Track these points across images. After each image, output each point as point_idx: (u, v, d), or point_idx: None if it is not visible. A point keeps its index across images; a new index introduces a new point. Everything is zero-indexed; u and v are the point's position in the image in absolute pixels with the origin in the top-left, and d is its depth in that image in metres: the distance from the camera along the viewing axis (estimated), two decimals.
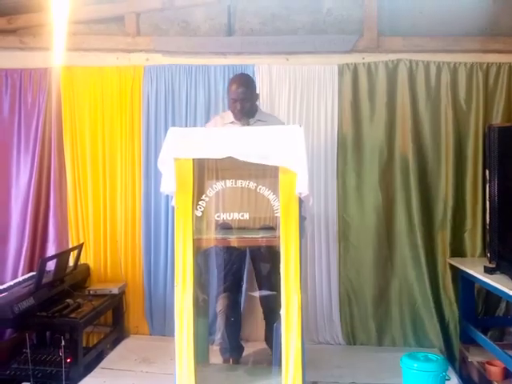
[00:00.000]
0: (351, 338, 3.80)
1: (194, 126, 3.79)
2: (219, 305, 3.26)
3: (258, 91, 3.34)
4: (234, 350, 3.29)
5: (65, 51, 3.82)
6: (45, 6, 3.70)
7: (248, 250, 3.20)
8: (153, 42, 3.90)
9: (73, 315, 3.24)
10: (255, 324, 3.70)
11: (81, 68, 3.95)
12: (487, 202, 3.47)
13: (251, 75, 3.75)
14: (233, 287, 3.27)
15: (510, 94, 3.69)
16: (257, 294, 3.32)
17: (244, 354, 3.38)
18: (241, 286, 3.43)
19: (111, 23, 4.00)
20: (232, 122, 3.18)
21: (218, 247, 3.08)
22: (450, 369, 2.96)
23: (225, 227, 2.70)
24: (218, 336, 3.28)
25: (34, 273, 3.61)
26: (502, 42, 3.70)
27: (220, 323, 3.27)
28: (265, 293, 3.13)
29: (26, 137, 3.96)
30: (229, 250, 3.12)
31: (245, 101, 3.10)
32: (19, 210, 3.94)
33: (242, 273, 3.41)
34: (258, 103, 3.28)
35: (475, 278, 3.24)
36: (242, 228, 2.71)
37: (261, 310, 3.38)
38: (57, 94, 3.93)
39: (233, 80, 3.23)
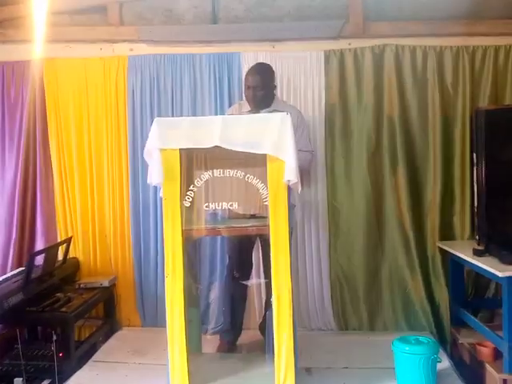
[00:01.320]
0: (343, 324, 3.82)
1: (180, 115, 3.75)
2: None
3: (275, 83, 3.34)
4: (233, 331, 3.34)
5: (47, 43, 3.73)
6: None
7: (258, 239, 3.19)
8: (136, 31, 3.83)
9: (63, 309, 3.24)
10: (248, 312, 3.69)
11: (64, 60, 3.89)
12: (475, 185, 3.48)
13: (237, 63, 3.74)
14: (243, 275, 3.28)
15: (496, 76, 3.68)
16: (248, 282, 3.32)
17: (237, 342, 3.40)
18: (250, 273, 3.41)
19: (94, 13, 3.93)
20: (249, 111, 3.18)
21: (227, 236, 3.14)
22: (441, 351, 2.98)
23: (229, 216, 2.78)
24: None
25: (22, 268, 3.58)
26: (487, 24, 3.69)
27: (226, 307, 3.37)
28: None
29: (11, 131, 3.90)
30: (237, 238, 3.12)
31: (257, 89, 3.11)
32: (6, 204, 3.89)
33: (251, 260, 3.39)
34: (275, 92, 3.29)
35: (464, 260, 3.27)
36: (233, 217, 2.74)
37: (253, 297, 3.39)
38: (40, 87, 3.87)
39: (250, 68, 3.30)
